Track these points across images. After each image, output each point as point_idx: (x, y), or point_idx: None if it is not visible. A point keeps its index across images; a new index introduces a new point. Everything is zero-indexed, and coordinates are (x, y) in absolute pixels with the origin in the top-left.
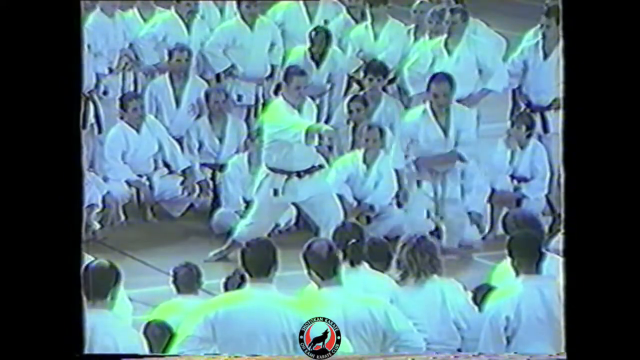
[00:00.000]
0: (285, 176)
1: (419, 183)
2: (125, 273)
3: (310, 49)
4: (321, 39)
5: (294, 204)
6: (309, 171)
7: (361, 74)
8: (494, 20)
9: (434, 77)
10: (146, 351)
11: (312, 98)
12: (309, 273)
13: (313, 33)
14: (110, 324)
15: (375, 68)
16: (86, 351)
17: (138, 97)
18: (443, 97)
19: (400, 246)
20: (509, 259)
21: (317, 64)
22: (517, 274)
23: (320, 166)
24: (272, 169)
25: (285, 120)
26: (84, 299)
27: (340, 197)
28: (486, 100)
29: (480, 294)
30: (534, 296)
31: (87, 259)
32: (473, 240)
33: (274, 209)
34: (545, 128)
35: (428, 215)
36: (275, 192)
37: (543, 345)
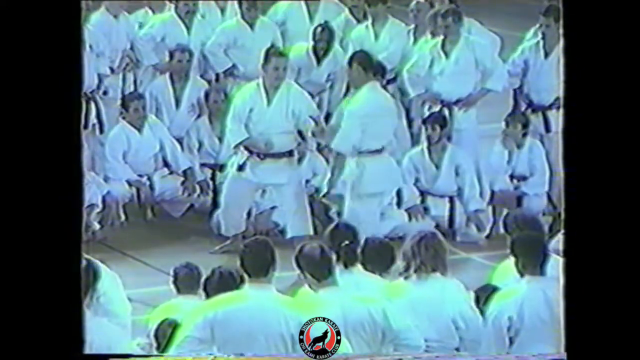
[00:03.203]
0: (248, 154)
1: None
2: (125, 273)
3: (314, 46)
4: (326, 37)
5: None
6: (276, 155)
7: None
8: (493, 20)
9: None
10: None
11: (312, 95)
12: (304, 276)
13: (319, 29)
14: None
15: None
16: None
17: (140, 98)
18: None
19: (408, 239)
20: (513, 260)
21: (319, 61)
22: (522, 275)
23: (290, 153)
24: (239, 144)
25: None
26: (86, 300)
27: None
28: (485, 100)
29: (484, 294)
30: (537, 297)
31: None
32: (473, 240)
33: (241, 187)
34: (547, 127)
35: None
36: (240, 168)
37: (546, 346)
